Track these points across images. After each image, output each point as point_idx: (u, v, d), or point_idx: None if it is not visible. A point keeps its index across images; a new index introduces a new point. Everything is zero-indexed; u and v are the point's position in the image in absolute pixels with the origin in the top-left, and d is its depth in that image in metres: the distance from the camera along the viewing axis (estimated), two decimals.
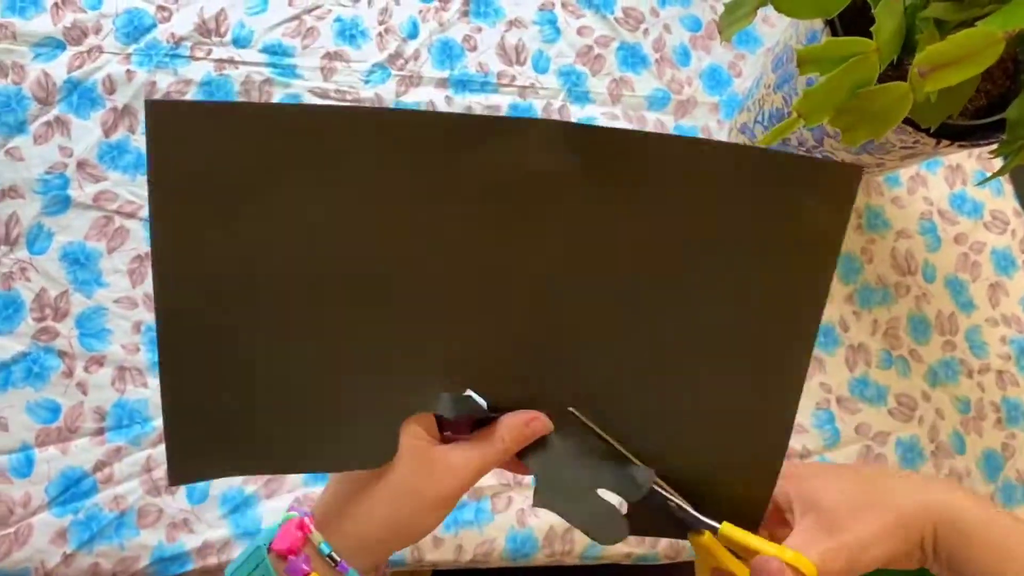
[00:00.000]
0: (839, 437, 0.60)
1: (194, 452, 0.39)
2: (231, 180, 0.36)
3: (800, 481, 0.42)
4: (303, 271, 0.38)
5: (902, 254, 0.65)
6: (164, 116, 0.35)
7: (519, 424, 0.41)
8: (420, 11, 0.62)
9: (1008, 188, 0.68)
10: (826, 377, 0.61)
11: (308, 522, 0.41)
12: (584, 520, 0.41)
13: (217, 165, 0.36)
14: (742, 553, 0.41)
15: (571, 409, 0.41)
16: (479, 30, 0.63)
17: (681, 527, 0.41)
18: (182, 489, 0.52)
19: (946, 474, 0.61)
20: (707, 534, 0.40)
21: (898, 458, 0.61)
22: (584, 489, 0.42)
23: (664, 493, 0.41)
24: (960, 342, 0.64)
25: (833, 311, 0.62)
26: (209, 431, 0.39)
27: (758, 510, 0.42)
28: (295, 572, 0.40)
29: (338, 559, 0.40)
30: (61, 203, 0.54)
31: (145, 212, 0.55)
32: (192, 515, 0.52)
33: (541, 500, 0.41)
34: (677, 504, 0.41)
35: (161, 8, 0.58)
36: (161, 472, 0.52)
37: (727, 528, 0.40)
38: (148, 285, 0.54)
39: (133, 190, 0.55)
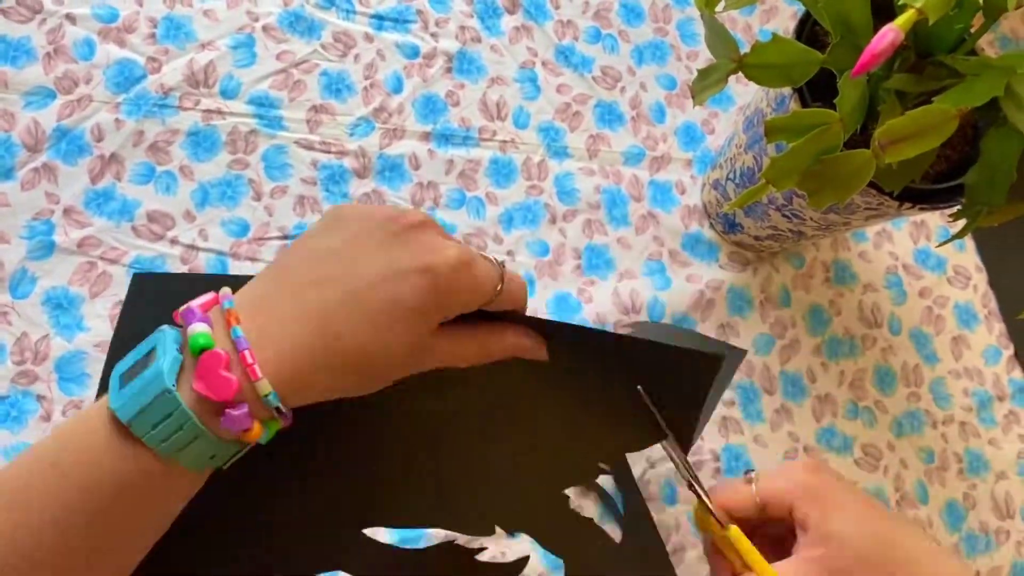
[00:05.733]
0: None
1: None
2: None
3: (823, 504, 0.39)
4: None
5: (868, 307, 0.67)
6: None
7: (524, 337, 0.43)
8: (405, 67, 0.64)
9: (970, 244, 0.71)
10: (794, 427, 0.63)
11: (250, 357, 0.33)
12: None
13: None
14: (732, 557, 0.41)
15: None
16: (462, 86, 0.64)
17: None
18: None
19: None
20: (734, 528, 0.41)
21: None
22: None
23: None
24: (924, 394, 0.66)
25: (801, 362, 0.64)
26: None
27: None
28: (234, 426, 0.33)
29: (284, 410, 0.34)
30: (46, 248, 0.54)
31: (128, 258, 0.55)
32: None
33: None
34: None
35: (152, 59, 0.59)
36: None
37: (734, 532, 0.41)
38: None
39: (117, 236, 0.56)
